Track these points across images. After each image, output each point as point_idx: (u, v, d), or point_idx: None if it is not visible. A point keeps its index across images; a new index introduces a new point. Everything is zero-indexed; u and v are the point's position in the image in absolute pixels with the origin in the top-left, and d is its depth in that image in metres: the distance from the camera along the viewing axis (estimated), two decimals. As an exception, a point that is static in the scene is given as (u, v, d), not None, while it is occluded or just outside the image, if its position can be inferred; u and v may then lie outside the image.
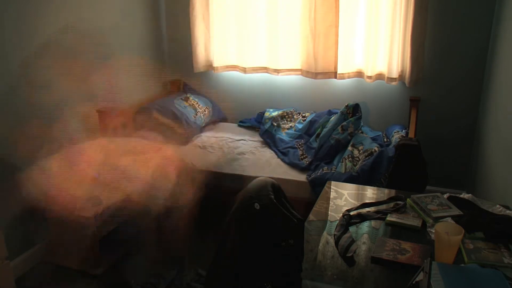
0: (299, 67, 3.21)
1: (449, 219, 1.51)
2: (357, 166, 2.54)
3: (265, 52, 3.28)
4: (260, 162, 2.81)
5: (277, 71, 3.27)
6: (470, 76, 2.89)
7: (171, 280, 2.30)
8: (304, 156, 2.84)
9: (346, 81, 3.16)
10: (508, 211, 1.55)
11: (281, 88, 3.41)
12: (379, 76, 3.03)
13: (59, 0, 2.50)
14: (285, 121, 3.26)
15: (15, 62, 2.25)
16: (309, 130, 3.09)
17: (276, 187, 1.75)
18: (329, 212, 1.67)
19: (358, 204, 1.70)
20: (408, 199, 1.68)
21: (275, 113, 3.28)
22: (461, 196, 1.66)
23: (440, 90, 2.98)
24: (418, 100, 2.95)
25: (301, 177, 2.62)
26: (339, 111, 2.98)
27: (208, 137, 3.23)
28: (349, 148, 2.72)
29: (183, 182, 2.29)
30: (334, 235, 1.50)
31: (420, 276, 1.19)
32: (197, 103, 3.38)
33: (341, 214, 1.62)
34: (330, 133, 2.85)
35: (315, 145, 2.90)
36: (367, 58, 3.00)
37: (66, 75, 2.32)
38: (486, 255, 1.33)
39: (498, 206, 1.59)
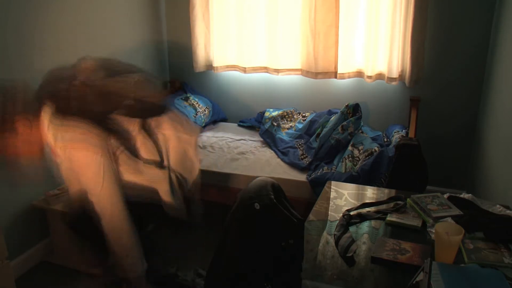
0: (299, 67, 3.21)
1: (449, 219, 1.51)
2: (357, 166, 2.54)
3: (265, 52, 3.28)
4: (260, 162, 2.81)
5: (277, 71, 3.27)
6: (470, 76, 2.88)
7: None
8: (304, 156, 2.84)
9: (346, 81, 3.16)
10: (508, 211, 1.55)
11: (281, 88, 3.41)
12: (379, 76, 3.02)
13: (59, 1, 2.50)
14: (285, 121, 3.26)
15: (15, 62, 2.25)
16: (309, 130, 3.09)
17: (276, 187, 1.74)
18: (329, 212, 1.67)
19: (358, 204, 1.70)
20: (408, 199, 1.68)
21: (275, 113, 3.28)
22: (461, 196, 1.66)
23: (440, 90, 2.98)
24: (418, 100, 2.95)
25: (301, 177, 2.62)
26: (339, 111, 2.98)
27: (208, 137, 3.23)
28: (349, 148, 2.72)
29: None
30: (334, 235, 1.50)
31: (420, 276, 1.19)
32: (197, 103, 3.38)
33: (341, 214, 1.62)
34: (330, 133, 2.85)
35: (315, 145, 2.90)
36: (367, 58, 3.00)
37: None
38: (486, 255, 1.33)
39: (498, 206, 1.59)
